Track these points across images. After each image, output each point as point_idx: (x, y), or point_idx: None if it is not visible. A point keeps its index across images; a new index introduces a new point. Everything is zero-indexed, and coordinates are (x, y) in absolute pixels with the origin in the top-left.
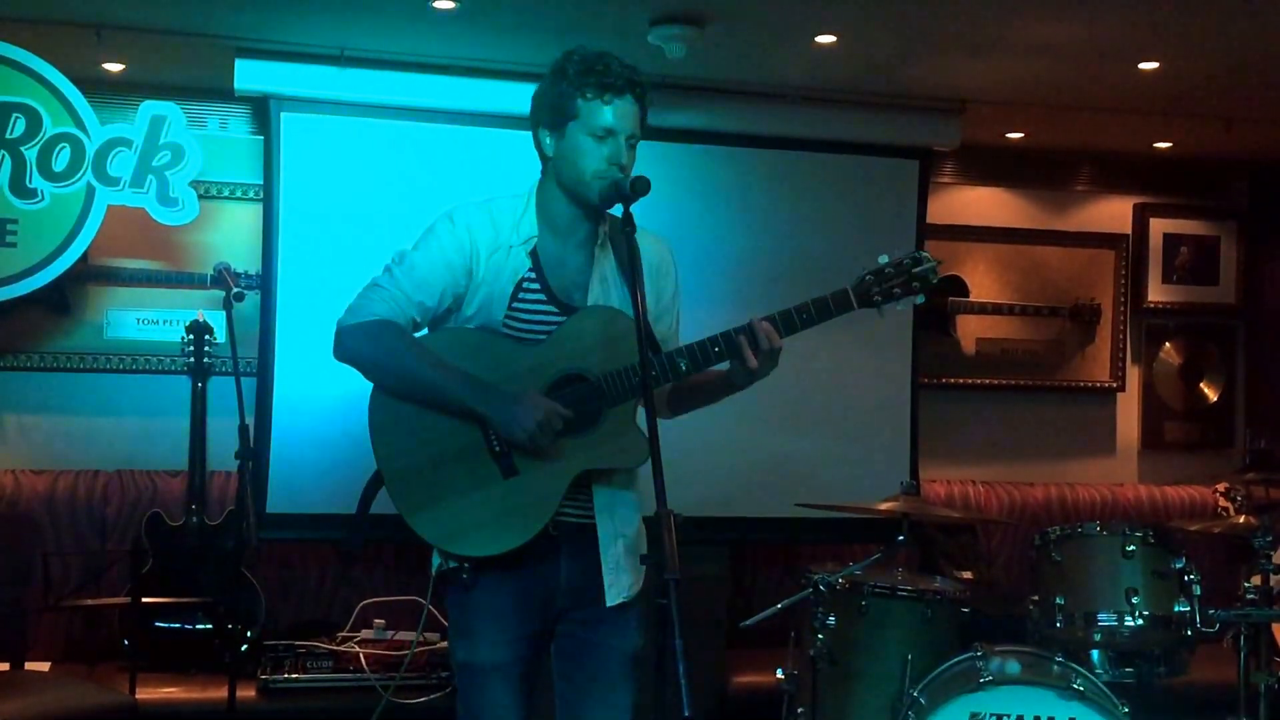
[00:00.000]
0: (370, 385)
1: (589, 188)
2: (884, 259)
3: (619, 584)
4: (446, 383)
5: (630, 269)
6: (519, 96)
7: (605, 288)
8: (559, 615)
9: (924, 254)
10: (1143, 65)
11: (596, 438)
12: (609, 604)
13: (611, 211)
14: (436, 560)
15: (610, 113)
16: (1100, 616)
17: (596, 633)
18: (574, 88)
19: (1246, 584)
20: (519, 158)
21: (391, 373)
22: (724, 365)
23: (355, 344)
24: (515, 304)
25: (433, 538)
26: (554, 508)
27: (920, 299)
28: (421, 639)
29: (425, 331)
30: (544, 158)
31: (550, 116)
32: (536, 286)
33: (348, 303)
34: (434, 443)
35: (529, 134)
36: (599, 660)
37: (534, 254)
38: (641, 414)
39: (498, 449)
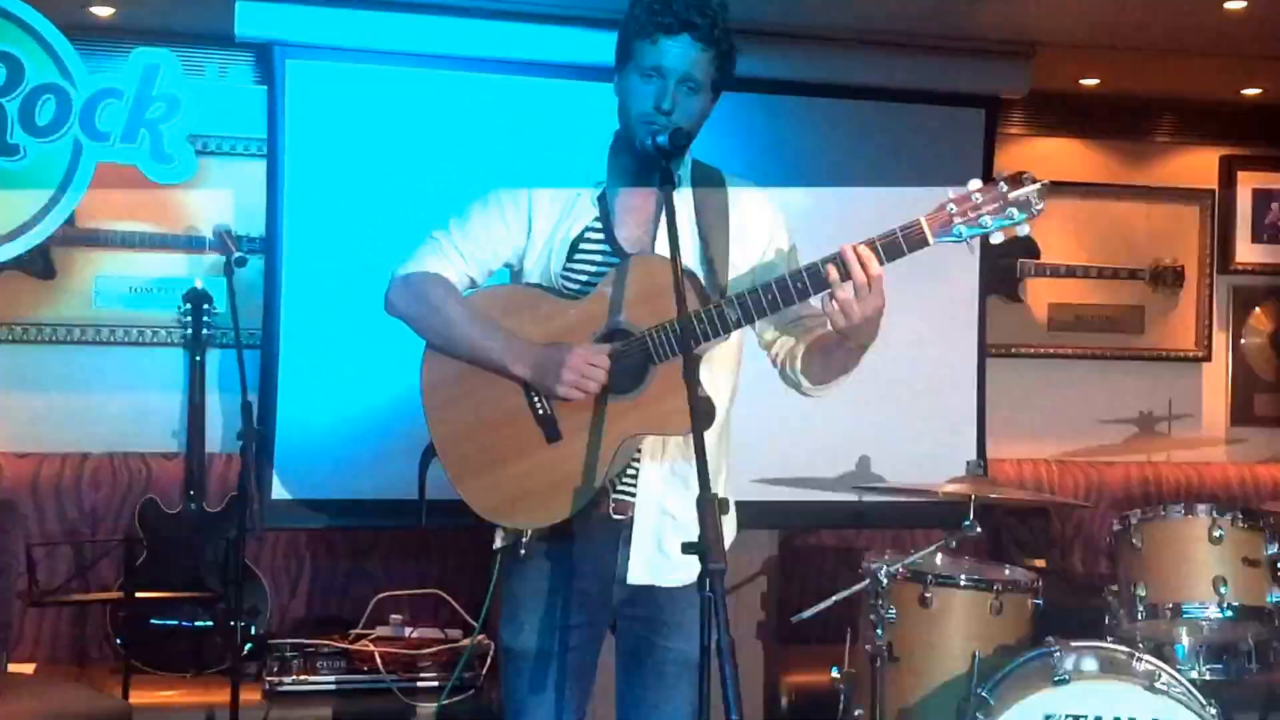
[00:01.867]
0: (386, 358)
1: (635, 131)
2: (974, 183)
3: (650, 566)
4: (484, 340)
5: (670, 228)
6: (542, 42)
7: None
8: (617, 609)
9: (1027, 174)
10: (1229, 4)
11: (643, 400)
12: (626, 581)
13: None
14: (500, 536)
15: (657, 51)
16: (1185, 608)
17: (658, 634)
18: (635, 26)
19: None
20: (543, 107)
21: (431, 328)
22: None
23: (399, 297)
24: (578, 254)
25: (480, 507)
26: (600, 477)
27: (1024, 230)
28: (444, 635)
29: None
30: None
31: (617, 57)
32: (601, 236)
33: (358, 266)
34: (481, 406)
35: (553, 82)
36: (658, 664)
37: (602, 199)
38: (708, 376)
39: (541, 412)
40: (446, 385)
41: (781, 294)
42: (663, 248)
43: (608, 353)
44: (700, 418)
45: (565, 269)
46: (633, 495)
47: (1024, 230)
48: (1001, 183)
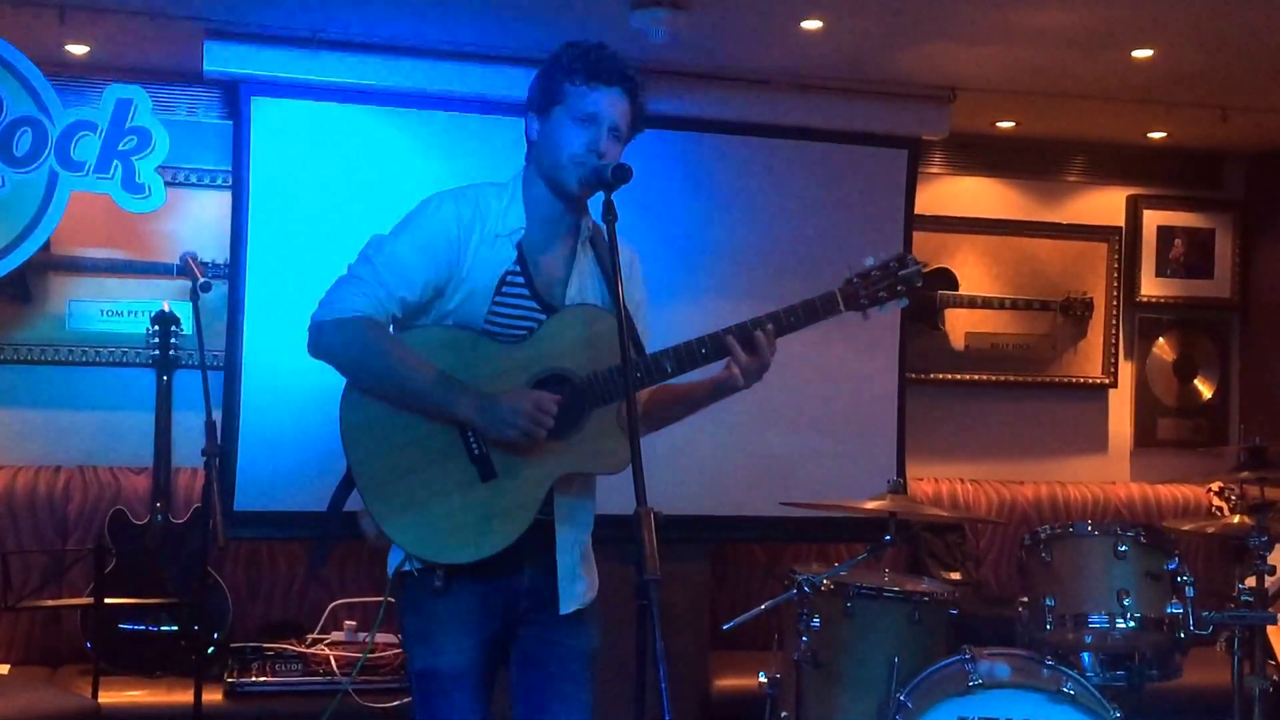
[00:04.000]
0: (342, 383)
1: (566, 173)
2: (870, 261)
3: (573, 592)
4: (426, 386)
5: (611, 260)
6: (497, 81)
7: (583, 285)
8: (519, 619)
9: (910, 256)
10: (1137, 53)
11: (578, 440)
12: (563, 612)
13: (592, 204)
14: (395, 559)
15: (595, 99)
16: (1091, 618)
17: (556, 634)
18: (564, 73)
19: (1241, 585)
20: (497, 144)
21: (369, 372)
22: (696, 373)
23: (331, 341)
24: (499, 298)
25: (409, 544)
26: (534, 512)
27: (904, 303)
28: (396, 640)
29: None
30: (529, 143)
31: (539, 100)
32: (521, 281)
33: (317, 292)
34: (410, 445)
35: (508, 120)
36: (559, 662)
37: (520, 246)
38: (615, 413)
39: (476, 451)
40: (371, 426)
41: (715, 347)
42: (574, 294)
43: (555, 400)
44: (638, 442)
45: (490, 312)
46: (545, 516)
47: (905, 303)
48: (891, 262)
